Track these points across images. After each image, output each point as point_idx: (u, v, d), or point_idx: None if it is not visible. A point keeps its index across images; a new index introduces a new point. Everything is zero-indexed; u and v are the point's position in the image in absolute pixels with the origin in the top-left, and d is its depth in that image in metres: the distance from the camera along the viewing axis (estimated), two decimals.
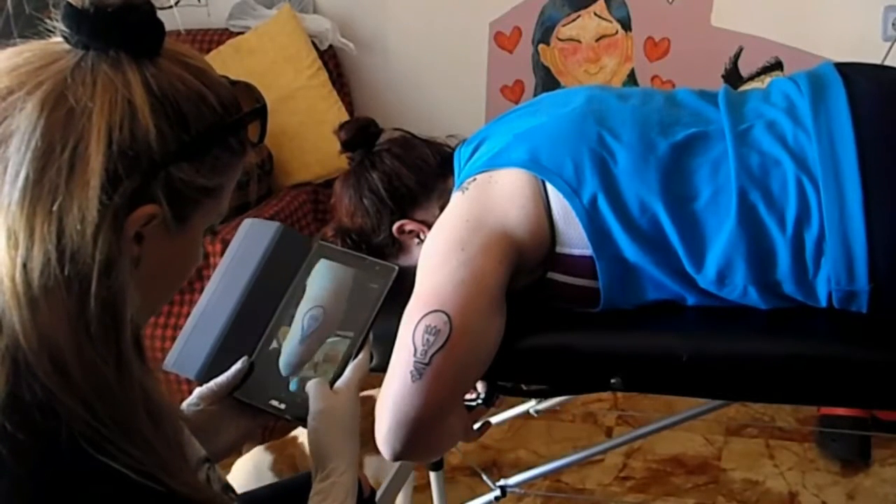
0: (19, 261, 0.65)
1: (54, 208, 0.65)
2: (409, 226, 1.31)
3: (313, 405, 0.93)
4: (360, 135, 1.37)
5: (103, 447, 0.66)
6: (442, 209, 1.28)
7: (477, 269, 1.11)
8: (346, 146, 1.37)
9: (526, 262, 1.15)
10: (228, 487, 0.86)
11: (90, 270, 0.65)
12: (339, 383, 0.94)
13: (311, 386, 0.94)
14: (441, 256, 1.13)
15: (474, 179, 1.18)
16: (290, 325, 1.01)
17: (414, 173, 1.33)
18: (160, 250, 0.72)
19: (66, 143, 0.65)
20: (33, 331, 0.65)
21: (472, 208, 1.15)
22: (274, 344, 1.00)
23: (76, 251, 0.65)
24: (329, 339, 0.98)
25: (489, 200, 1.15)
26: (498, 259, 1.12)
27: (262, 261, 1.05)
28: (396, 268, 1.00)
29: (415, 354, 1.08)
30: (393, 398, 1.09)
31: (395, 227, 1.31)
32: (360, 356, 0.96)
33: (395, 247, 1.33)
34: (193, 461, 0.80)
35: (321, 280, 1.02)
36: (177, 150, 0.69)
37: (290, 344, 1.00)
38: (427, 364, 1.07)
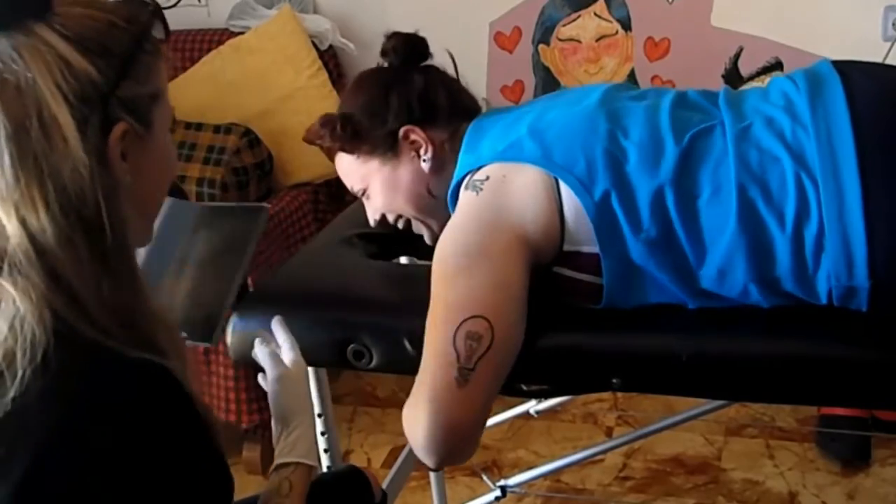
0: (33, 232, 0.72)
1: (46, 173, 0.72)
2: (415, 135, 1.30)
3: (271, 372, 1.08)
4: (408, 48, 1.35)
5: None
6: (451, 146, 1.28)
7: (506, 275, 1.11)
8: (390, 53, 1.35)
9: (538, 262, 1.16)
10: None
11: (97, 206, 0.74)
12: (285, 355, 1.11)
13: (262, 355, 1.10)
14: (466, 261, 1.12)
15: (487, 177, 1.18)
16: (178, 277, 1.18)
17: (450, 96, 1.33)
18: (144, 158, 0.80)
19: (31, 116, 0.72)
20: (57, 289, 0.73)
21: (490, 214, 1.15)
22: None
23: (81, 195, 0.73)
24: (207, 275, 1.16)
25: (506, 204, 1.15)
26: (521, 263, 1.13)
27: (157, 231, 1.13)
28: (267, 206, 1.19)
29: (459, 360, 1.07)
30: (439, 406, 1.08)
31: (403, 129, 1.29)
32: (289, 343, 1.12)
33: (386, 148, 1.31)
34: None
35: (201, 232, 1.20)
36: (115, 75, 0.76)
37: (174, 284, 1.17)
38: (472, 370, 1.07)
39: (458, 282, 1.11)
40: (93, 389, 0.73)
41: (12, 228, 0.72)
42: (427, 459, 1.11)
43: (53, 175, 0.72)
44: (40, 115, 0.72)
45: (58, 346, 0.72)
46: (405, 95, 1.31)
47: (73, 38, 0.74)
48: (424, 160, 1.30)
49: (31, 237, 0.72)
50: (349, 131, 1.31)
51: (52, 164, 0.72)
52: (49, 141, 0.72)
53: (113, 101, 0.76)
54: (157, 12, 0.83)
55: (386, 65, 1.36)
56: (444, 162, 1.30)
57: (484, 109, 1.37)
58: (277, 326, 1.17)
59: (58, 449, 0.70)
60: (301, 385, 1.10)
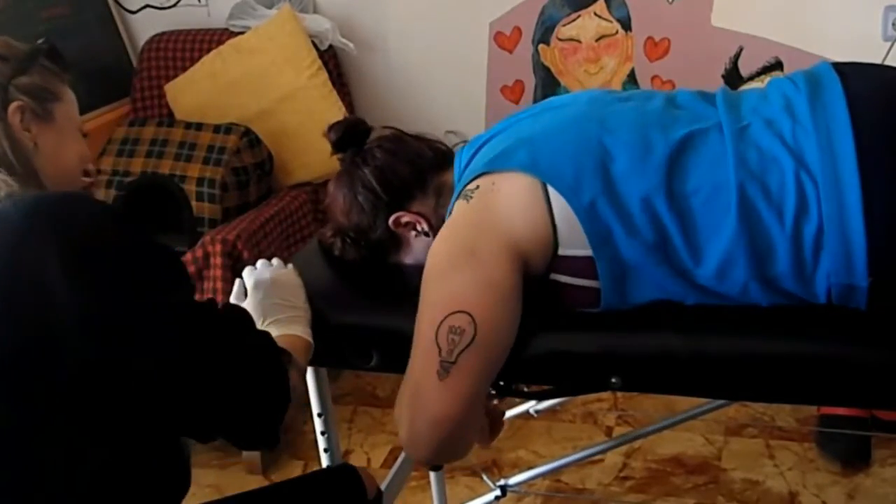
0: None
1: None
2: (406, 217, 1.32)
3: (249, 281, 1.25)
4: (349, 134, 1.38)
5: None
6: (439, 203, 1.29)
7: (492, 274, 1.11)
8: (337, 146, 1.39)
9: (532, 267, 1.16)
10: None
11: (2, 149, 1.07)
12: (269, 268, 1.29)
13: (245, 275, 1.26)
14: (451, 261, 1.13)
15: (478, 187, 1.18)
16: None
17: (407, 166, 1.34)
18: (46, 137, 1.11)
19: None
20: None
21: (478, 216, 1.16)
22: None
23: None
24: None
25: (494, 208, 1.16)
26: (509, 264, 1.13)
27: None
28: None
29: (440, 354, 1.08)
30: (421, 399, 1.09)
31: (391, 220, 1.32)
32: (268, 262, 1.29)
33: (394, 241, 1.35)
34: None
35: None
36: (10, 72, 1.09)
37: None
38: (453, 363, 1.08)
39: (443, 282, 1.13)
40: (62, 195, 1.01)
41: None
42: (413, 454, 1.12)
43: None
44: None
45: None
46: (369, 194, 1.33)
47: None
48: (427, 234, 1.32)
49: None
50: (352, 241, 1.36)
51: None
52: None
53: (10, 88, 1.09)
54: (52, 48, 1.16)
55: (340, 163, 1.39)
56: (442, 219, 1.30)
57: (452, 142, 1.39)
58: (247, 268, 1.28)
59: (38, 229, 0.90)
60: (291, 284, 1.25)
